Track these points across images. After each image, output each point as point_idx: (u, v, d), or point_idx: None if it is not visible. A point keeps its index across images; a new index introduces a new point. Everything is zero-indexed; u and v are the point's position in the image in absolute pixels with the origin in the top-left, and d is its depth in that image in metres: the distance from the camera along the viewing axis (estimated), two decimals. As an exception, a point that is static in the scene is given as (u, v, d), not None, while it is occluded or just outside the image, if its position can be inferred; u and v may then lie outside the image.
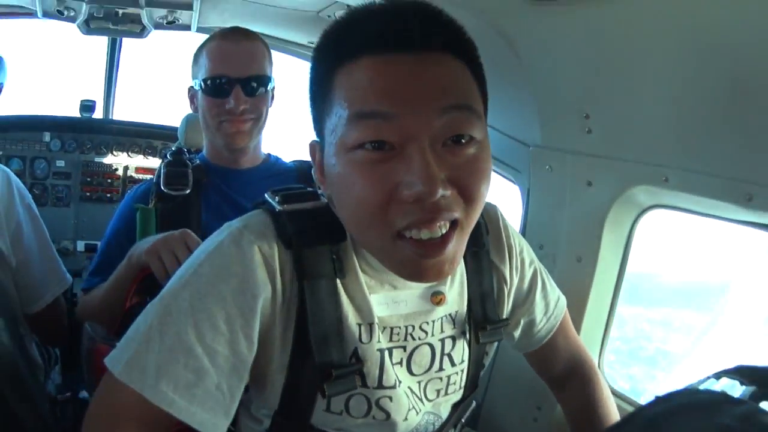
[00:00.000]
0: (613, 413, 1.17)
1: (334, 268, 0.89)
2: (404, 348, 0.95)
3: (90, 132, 3.04)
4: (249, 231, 0.87)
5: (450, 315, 0.99)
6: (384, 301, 0.93)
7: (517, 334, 1.15)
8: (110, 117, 3.37)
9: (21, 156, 2.94)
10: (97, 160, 3.02)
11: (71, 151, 3.00)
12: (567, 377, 1.23)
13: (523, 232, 1.54)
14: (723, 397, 0.40)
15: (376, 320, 0.91)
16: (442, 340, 0.98)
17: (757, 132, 1.01)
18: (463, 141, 0.79)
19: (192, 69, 1.58)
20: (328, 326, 0.88)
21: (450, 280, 0.99)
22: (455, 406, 1.05)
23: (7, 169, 1.45)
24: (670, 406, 0.40)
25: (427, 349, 0.97)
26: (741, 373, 0.40)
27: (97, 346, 1.15)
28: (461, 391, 1.03)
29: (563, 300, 1.19)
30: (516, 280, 1.09)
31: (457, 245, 0.82)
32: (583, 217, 1.38)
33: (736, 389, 0.48)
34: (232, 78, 1.47)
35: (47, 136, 2.98)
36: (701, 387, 0.51)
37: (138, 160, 3.06)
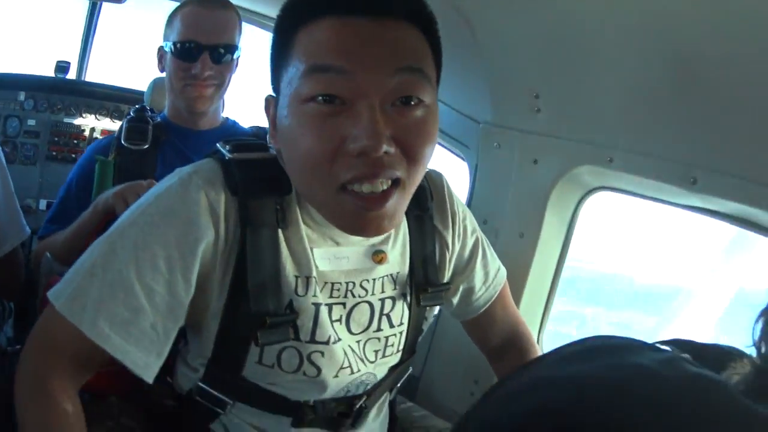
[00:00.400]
0: None
1: (277, 219, 0.88)
2: (344, 305, 0.93)
3: (61, 93, 2.94)
4: (198, 176, 0.86)
5: (391, 275, 0.97)
6: (326, 255, 0.91)
7: (455, 300, 1.13)
8: (83, 79, 3.27)
9: None
10: (66, 120, 2.91)
11: (42, 110, 2.89)
12: (505, 349, 1.21)
13: (469, 206, 1.51)
14: (648, 345, 0.37)
15: (314, 274, 0.89)
16: (382, 300, 0.96)
17: (702, 115, 1.00)
18: (412, 103, 0.79)
19: (165, 30, 1.55)
20: (266, 275, 0.86)
21: (392, 240, 0.97)
22: (392, 369, 1.03)
23: None
24: (590, 345, 0.38)
25: (366, 308, 0.95)
26: (675, 343, 0.38)
27: (54, 279, 1.14)
28: (399, 354, 1.01)
29: (503, 271, 1.18)
30: (458, 247, 1.07)
31: (398, 203, 0.81)
32: (527, 194, 1.37)
33: None
34: (202, 44, 1.46)
35: (22, 95, 2.88)
36: None
37: (105, 123, 2.96)
